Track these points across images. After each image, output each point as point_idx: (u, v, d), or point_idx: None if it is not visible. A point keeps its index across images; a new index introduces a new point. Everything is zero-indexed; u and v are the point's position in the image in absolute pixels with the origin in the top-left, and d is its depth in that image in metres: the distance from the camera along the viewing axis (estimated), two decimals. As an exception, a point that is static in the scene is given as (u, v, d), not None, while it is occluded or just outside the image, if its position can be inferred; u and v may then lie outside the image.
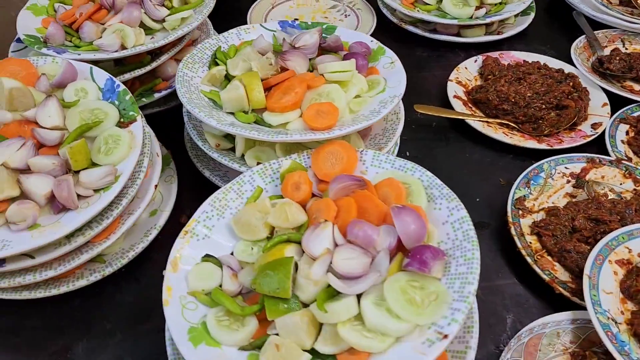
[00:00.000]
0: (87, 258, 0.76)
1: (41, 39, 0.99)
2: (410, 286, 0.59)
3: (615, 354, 0.67)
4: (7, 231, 0.72)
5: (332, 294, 0.60)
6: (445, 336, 0.54)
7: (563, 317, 0.75)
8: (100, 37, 0.99)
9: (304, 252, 0.64)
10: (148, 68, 1.00)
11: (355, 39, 0.98)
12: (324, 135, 0.78)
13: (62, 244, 0.74)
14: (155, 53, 1.03)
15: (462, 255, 0.61)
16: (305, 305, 0.61)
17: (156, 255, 0.86)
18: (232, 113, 0.85)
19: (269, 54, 0.90)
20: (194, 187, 0.95)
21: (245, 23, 1.32)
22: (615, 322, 0.71)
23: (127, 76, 0.98)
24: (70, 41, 1.00)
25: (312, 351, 0.58)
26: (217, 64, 0.93)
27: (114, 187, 0.75)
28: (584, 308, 0.73)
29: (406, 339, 0.56)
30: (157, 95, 1.03)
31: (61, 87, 0.87)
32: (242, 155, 0.86)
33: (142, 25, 1.01)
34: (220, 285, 0.66)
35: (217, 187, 0.78)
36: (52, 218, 0.74)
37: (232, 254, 0.70)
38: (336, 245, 0.64)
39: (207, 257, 0.69)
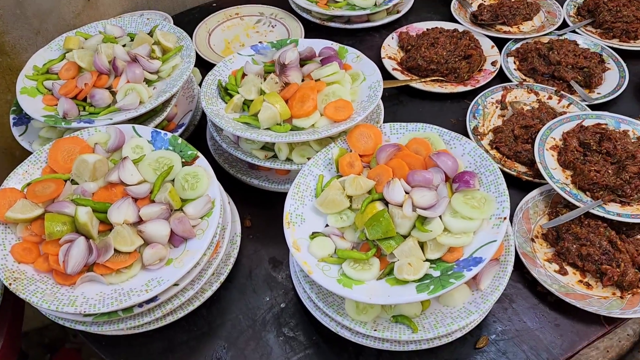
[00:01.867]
0: (212, 271, 0.94)
1: (59, 116, 1.09)
2: (466, 199, 0.89)
3: (573, 201, 1.05)
4: (149, 273, 0.88)
5: (421, 221, 0.88)
6: (504, 218, 0.85)
7: (535, 193, 1.12)
8: (114, 101, 1.12)
9: (388, 203, 0.91)
10: (164, 115, 1.15)
11: (320, 45, 1.23)
12: (349, 123, 1.03)
13: (193, 268, 0.91)
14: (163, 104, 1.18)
15: (486, 170, 0.93)
16: (404, 236, 0.89)
17: (243, 256, 1.06)
18: (268, 128, 1.06)
19: (272, 75, 1.12)
20: (235, 197, 1.14)
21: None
22: (566, 185, 1.10)
23: (151, 126, 1.12)
24: (84, 109, 1.11)
25: (426, 260, 0.87)
26: (228, 94, 1.13)
27: (215, 211, 0.93)
28: (545, 184, 1.11)
29: (480, 230, 0.87)
30: (177, 134, 1.19)
31: (117, 150, 1.01)
32: (287, 159, 1.08)
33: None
34: (336, 248, 0.91)
35: (255, 191, 1.01)
36: (178, 251, 0.91)
37: (326, 226, 0.95)
38: (406, 193, 0.92)
39: (314, 234, 0.93)
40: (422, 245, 0.88)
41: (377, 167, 0.97)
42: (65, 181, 0.95)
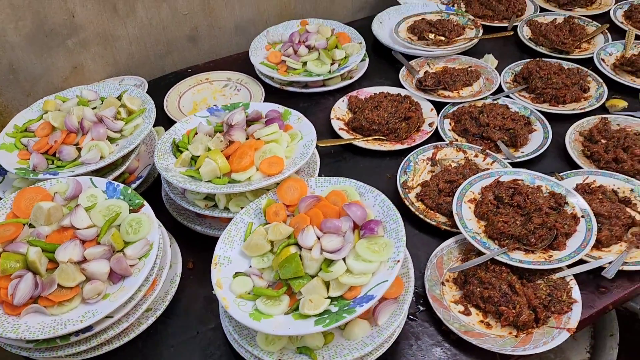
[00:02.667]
0: (146, 306, 1.06)
1: (29, 169, 1.25)
2: (369, 244, 1.01)
3: (481, 249, 1.16)
4: (87, 306, 1.00)
5: (327, 264, 1.00)
6: (398, 261, 0.97)
7: (450, 241, 1.23)
8: (79, 155, 1.28)
9: (301, 247, 1.03)
10: (123, 168, 1.30)
11: (267, 108, 1.39)
12: (279, 177, 1.17)
13: (127, 302, 1.03)
14: (121, 158, 1.34)
15: (390, 219, 1.05)
16: (312, 276, 1.00)
17: (182, 295, 1.18)
18: (209, 181, 1.21)
19: (218, 134, 1.27)
20: (181, 242, 1.27)
21: (164, 114, 1.66)
22: (478, 234, 1.21)
23: (110, 178, 1.27)
24: (53, 163, 1.27)
25: (329, 298, 0.98)
26: (179, 151, 1.28)
27: (152, 253, 1.06)
28: (460, 233, 1.22)
29: (378, 272, 0.98)
30: (133, 186, 1.33)
31: (73, 198, 1.16)
32: (225, 208, 1.22)
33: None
34: (254, 286, 1.02)
35: (201, 236, 1.14)
36: (115, 287, 1.03)
37: (250, 267, 1.07)
38: (317, 238, 1.04)
39: (237, 274, 1.05)
40: (327, 284, 0.99)
41: (297, 216, 1.10)
42: (24, 225, 1.09)
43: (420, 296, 1.16)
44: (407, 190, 1.36)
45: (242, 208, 1.19)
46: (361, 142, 1.53)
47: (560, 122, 1.57)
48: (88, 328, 0.99)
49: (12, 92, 1.70)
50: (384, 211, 1.08)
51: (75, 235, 1.07)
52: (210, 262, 1.19)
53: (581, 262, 1.16)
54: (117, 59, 1.84)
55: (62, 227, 1.09)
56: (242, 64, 1.88)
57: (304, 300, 0.96)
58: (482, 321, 1.09)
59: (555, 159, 1.49)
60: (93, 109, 1.38)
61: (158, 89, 1.78)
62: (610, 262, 1.16)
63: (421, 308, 1.14)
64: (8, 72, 1.67)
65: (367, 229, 1.03)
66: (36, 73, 1.71)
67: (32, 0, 1.60)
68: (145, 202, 1.14)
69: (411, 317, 1.12)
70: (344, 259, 1.00)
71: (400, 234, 1.02)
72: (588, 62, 1.81)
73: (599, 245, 1.21)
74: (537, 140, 1.51)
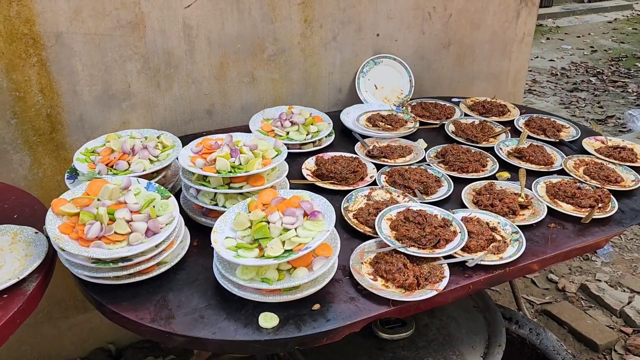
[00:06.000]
0: (164, 256, 1.63)
1: (96, 172, 1.88)
2: (312, 222, 1.62)
3: (389, 244, 1.76)
4: (131, 246, 1.58)
5: (285, 231, 1.60)
6: (328, 231, 1.58)
7: (371, 241, 1.83)
8: (129, 167, 1.92)
9: (269, 223, 1.64)
10: (158, 178, 1.94)
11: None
12: (261, 188, 1.81)
13: (154, 248, 1.60)
14: (156, 171, 1.97)
15: (327, 212, 1.68)
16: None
17: (188, 259, 1.75)
18: (215, 187, 1.84)
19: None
20: (191, 230, 1.86)
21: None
22: (389, 237, 1.82)
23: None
24: (110, 171, 1.91)
25: (285, 250, 1.56)
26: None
27: (174, 221, 1.66)
28: (378, 237, 1.83)
29: (317, 238, 1.58)
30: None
31: (125, 189, 1.77)
32: (223, 205, 1.83)
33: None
34: (237, 243, 1.61)
35: (204, 227, 1.75)
36: (149, 239, 1.62)
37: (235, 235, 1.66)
38: (280, 218, 1.65)
39: (227, 237, 1.64)
40: (284, 243, 1.59)
41: (270, 207, 1.72)
42: (94, 199, 1.70)
43: (347, 271, 1.73)
44: (347, 211, 1.99)
45: (234, 204, 1.81)
46: (320, 184, 2.19)
47: (462, 184, 2.24)
48: (129, 259, 1.56)
49: (77, 135, 2.38)
50: (324, 208, 1.71)
51: (126, 206, 1.68)
52: (209, 243, 1.78)
53: (454, 257, 1.76)
54: (154, 120, 2.55)
55: (118, 202, 1.70)
56: (243, 132, 2.58)
57: (267, 249, 1.55)
58: (383, 285, 1.67)
59: (453, 204, 2.13)
60: (140, 141, 2.05)
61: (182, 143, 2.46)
62: (472, 259, 1.76)
63: (345, 278, 1.71)
64: (77, 121, 2.36)
65: (312, 215, 1.65)
66: (96, 124, 2.41)
67: (104, 73, 2.35)
68: (171, 195, 1.76)
69: (337, 281, 1.69)
70: (296, 229, 1.61)
71: (332, 219, 1.63)
72: (491, 150, 2.54)
73: (468, 250, 1.82)
74: (443, 191, 2.17)
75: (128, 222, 1.63)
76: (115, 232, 1.59)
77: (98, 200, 1.70)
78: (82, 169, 1.90)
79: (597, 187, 2.20)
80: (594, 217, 2.01)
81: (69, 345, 2.74)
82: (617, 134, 5.45)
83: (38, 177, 2.37)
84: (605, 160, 2.45)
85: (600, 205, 2.09)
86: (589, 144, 2.61)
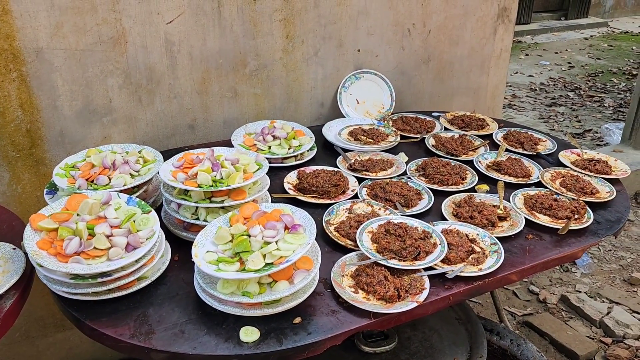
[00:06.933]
0: (145, 270, 1.62)
1: (76, 187, 1.87)
2: (293, 236, 1.63)
3: (370, 256, 1.77)
4: (110, 262, 1.57)
5: (266, 244, 1.61)
6: (309, 244, 1.58)
7: (352, 254, 1.84)
8: (109, 182, 1.91)
9: (250, 236, 1.64)
10: (138, 193, 1.93)
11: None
12: (241, 202, 1.81)
13: (134, 263, 1.60)
14: (137, 186, 1.97)
15: (309, 225, 1.69)
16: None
17: (168, 274, 1.74)
18: (196, 201, 1.84)
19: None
20: (172, 244, 1.85)
21: (165, 172, 2.32)
22: (370, 249, 1.83)
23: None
24: (90, 186, 1.90)
25: (266, 264, 1.57)
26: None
27: (154, 236, 1.66)
28: (360, 250, 1.84)
29: (299, 250, 1.59)
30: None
31: (105, 204, 1.76)
32: (204, 220, 1.83)
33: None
34: (218, 257, 1.61)
35: (185, 241, 1.74)
36: (129, 254, 1.61)
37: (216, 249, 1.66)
38: (261, 231, 1.65)
39: (208, 251, 1.64)
40: (264, 255, 1.59)
41: (251, 221, 1.72)
42: (73, 214, 1.69)
43: (328, 284, 1.74)
44: (329, 224, 2.01)
45: (215, 218, 1.81)
46: (302, 198, 2.20)
47: (442, 196, 2.27)
48: (109, 274, 1.55)
49: (57, 150, 2.37)
50: (305, 221, 1.72)
51: (106, 220, 1.67)
52: (190, 258, 1.77)
53: (434, 269, 1.78)
54: (136, 135, 2.54)
55: (98, 217, 1.69)
56: (226, 146, 2.59)
57: (248, 263, 1.55)
58: (364, 297, 1.67)
59: (433, 217, 2.16)
60: (121, 156, 2.05)
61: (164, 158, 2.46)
62: (452, 270, 1.78)
63: (326, 291, 1.72)
64: (58, 136, 2.35)
65: (293, 228, 1.66)
66: (77, 139, 2.40)
67: (85, 88, 2.34)
68: (152, 209, 1.76)
69: (318, 294, 1.69)
70: (276, 242, 1.61)
71: (312, 232, 1.64)
72: (470, 163, 2.58)
73: (448, 262, 1.84)
74: (423, 204, 2.19)
75: (108, 237, 1.62)
76: (94, 247, 1.58)
77: (77, 215, 1.69)
78: (61, 184, 1.88)
79: (573, 199, 2.25)
80: (570, 228, 2.05)
81: (47, 365, 2.69)
82: (594, 147, 5.57)
83: (17, 192, 2.35)
84: (581, 173, 2.50)
85: (576, 216, 2.13)
86: (565, 156, 2.67)
